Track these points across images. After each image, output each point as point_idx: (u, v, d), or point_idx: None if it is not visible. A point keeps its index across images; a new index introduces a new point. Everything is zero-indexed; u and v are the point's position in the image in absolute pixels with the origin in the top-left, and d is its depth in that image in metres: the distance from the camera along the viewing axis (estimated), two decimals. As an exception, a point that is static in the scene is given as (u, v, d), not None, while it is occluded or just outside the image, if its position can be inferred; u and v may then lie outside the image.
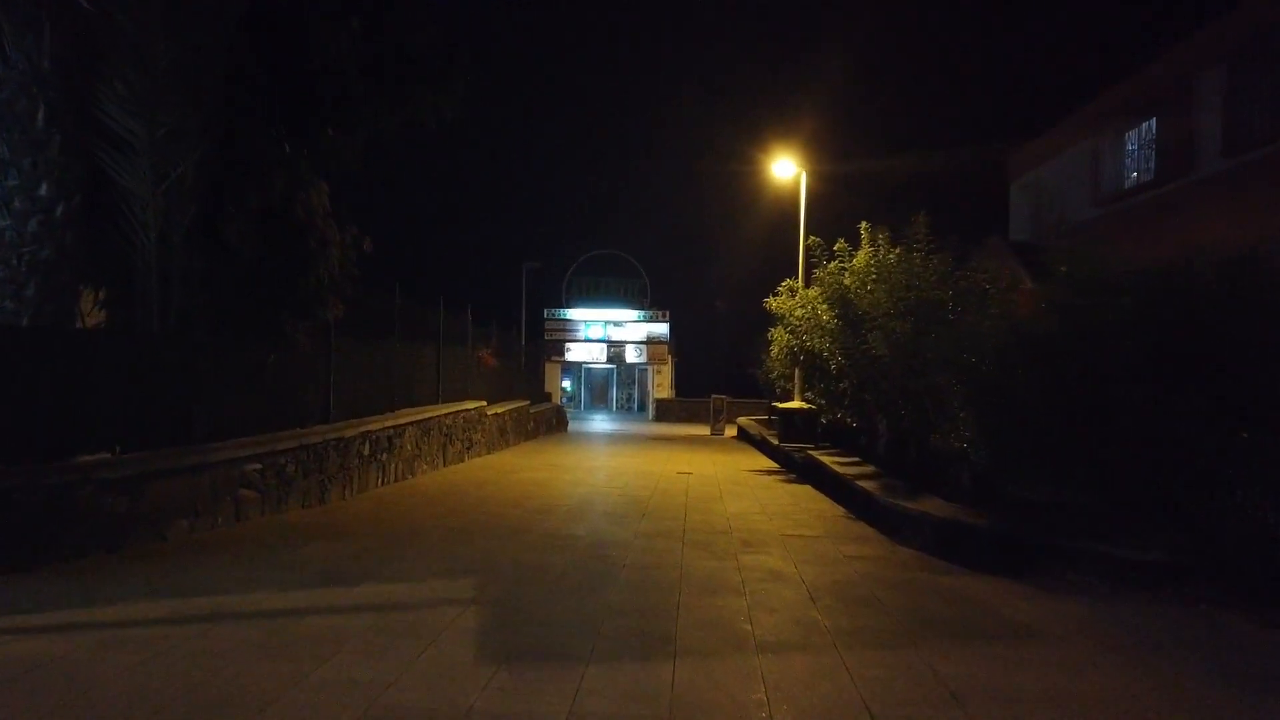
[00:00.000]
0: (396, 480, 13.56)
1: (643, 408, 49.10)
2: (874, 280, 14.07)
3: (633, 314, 47.28)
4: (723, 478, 15.64)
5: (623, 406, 50.58)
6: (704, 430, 34.73)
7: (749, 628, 5.84)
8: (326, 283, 10.61)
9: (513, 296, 38.93)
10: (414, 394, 15.99)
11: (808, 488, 14.07)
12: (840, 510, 11.38)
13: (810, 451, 15.55)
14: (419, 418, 14.84)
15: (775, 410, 22.01)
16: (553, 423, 30.23)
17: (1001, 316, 8.94)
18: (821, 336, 15.70)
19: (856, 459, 14.16)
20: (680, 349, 48.60)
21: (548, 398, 34.93)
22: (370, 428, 12.54)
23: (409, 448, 14.26)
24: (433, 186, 63.22)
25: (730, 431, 33.46)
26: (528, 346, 32.81)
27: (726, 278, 51.34)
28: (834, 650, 5.39)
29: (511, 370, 25.51)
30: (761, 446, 22.56)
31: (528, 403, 25.82)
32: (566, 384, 49.37)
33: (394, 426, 13.54)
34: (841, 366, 14.68)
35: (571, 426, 33.75)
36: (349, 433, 11.69)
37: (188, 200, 8.90)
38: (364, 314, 14.22)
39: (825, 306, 15.87)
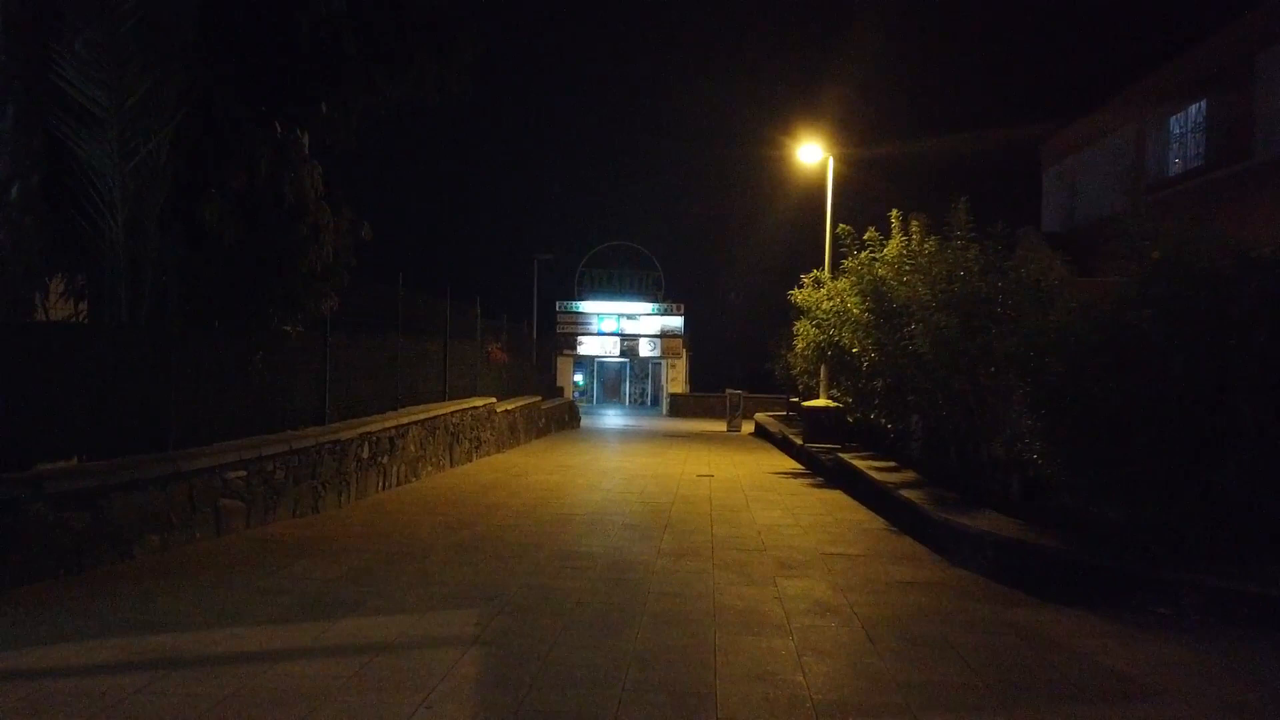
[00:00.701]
0: (399, 484, 12.67)
1: (656, 402, 48.21)
2: (910, 271, 13.08)
3: (646, 307, 46.32)
4: (746, 481, 14.69)
5: (636, 401, 49.69)
6: (720, 426, 33.78)
7: (801, 679, 4.90)
8: (319, 272, 9.70)
9: (524, 289, 38.10)
10: (419, 391, 15.11)
11: (838, 493, 13.12)
12: (880, 522, 10.42)
13: (840, 454, 14.58)
14: (423, 416, 13.94)
15: (798, 408, 21.06)
16: (565, 419, 29.35)
17: (1081, 311, 7.92)
18: (851, 331, 14.73)
19: (891, 463, 13.19)
20: (695, 343, 47.65)
21: (560, 392, 34.07)
22: (370, 429, 11.64)
23: (412, 449, 13.37)
24: (441, 175, 62.13)
25: (747, 428, 32.51)
26: (539, 340, 31.94)
27: (744, 270, 50.36)
28: (909, 715, 4.45)
29: (522, 365, 24.62)
30: (783, 446, 21.61)
31: (539, 398, 24.94)
32: (579, 378, 48.50)
33: (396, 427, 12.64)
34: (874, 363, 13.70)
35: (584, 422, 32.87)
36: (346, 435, 10.79)
37: (161, 179, 8.00)
38: (363, 306, 13.34)
39: (856, 299, 14.89)
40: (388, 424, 12.32)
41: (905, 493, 10.05)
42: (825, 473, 15.27)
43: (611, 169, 64.64)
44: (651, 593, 6.76)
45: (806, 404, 18.06)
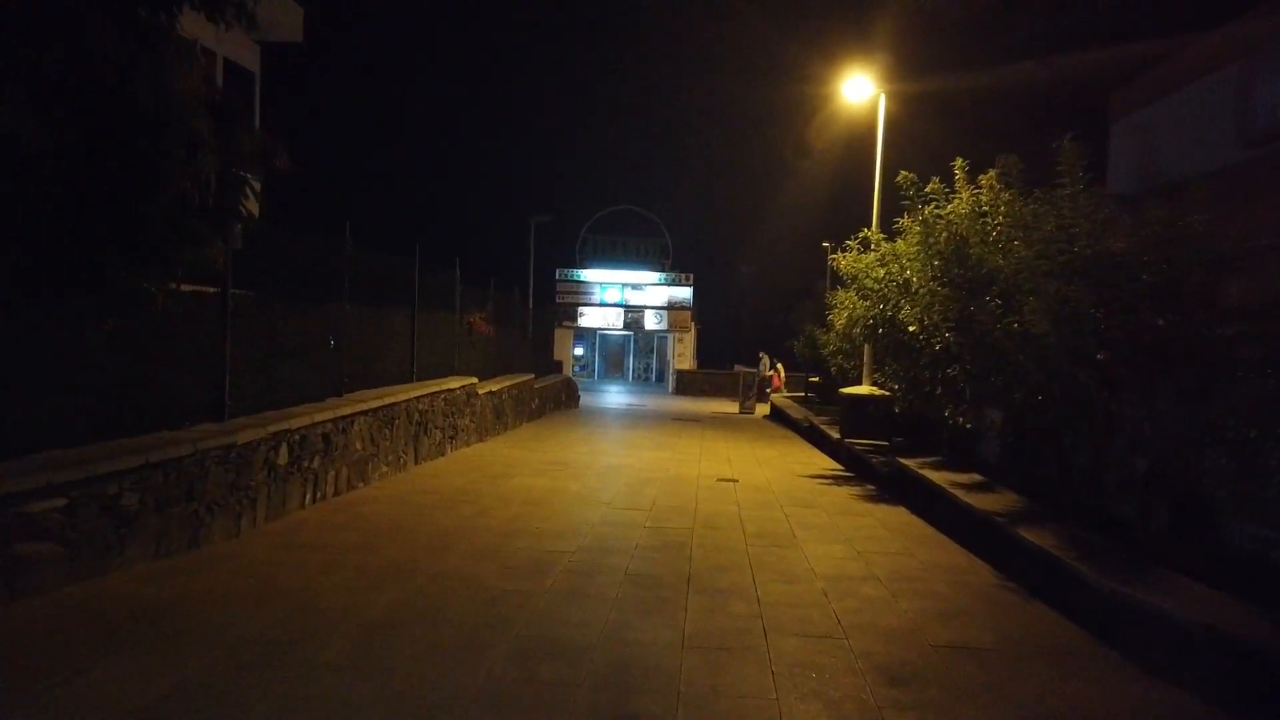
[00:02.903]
0: (337, 493, 9.78)
1: (661, 379, 45.25)
2: (1005, 226, 10.12)
3: (653, 276, 43.21)
4: (780, 488, 11.79)
5: (640, 377, 46.74)
6: (731, 407, 30.87)
7: None
8: (195, 209, 6.73)
9: (519, 256, 35.01)
10: (376, 371, 12.19)
11: (903, 512, 10.22)
12: (987, 572, 7.51)
13: (899, 459, 11.62)
14: (377, 404, 11.02)
15: (833, 394, 18.13)
16: (562, 398, 26.43)
17: None
18: (912, 303, 11.80)
19: (973, 476, 10.28)
20: (703, 316, 44.62)
21: (558, 367, 31.11)
22: (293, 423, 8.73)
23: (359, 446, 10.46)
24: (434, 135, 58.25)
25: (762, 409, 29.62)
26: (535, 311, 28.96)
27: (761, 238, 47.20)
28: None
29: (513, 338, 21.66)
30: (812, 436, 18.69)
31: (532, 376, 22.00)
32: (579, 351, 45.51)
33: (335, 420, 9.72)
34: (947, 345, 10.75)
35: (584, 400, 29.95)
36: (248, 434, 7.87)
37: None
38: (299, 267, 10.45)
39: (918, 264, 11.93)
40: (320, 417, 9.39)
41: (1028, 533, 7.11)
42: (877, 480, 12.37)
43: (618, 125, 60.46)
44: (679, 756, 3.86)
45: (847, 391, 15.11)
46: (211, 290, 8.25)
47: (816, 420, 19.35)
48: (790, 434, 20.78)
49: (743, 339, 44.56)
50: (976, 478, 9.96)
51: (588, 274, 42.96)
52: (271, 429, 8.29)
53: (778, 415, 25.98)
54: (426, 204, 48.53)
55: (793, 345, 27.66)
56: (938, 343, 10.87)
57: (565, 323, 41.95)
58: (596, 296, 42.84)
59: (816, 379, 28.91)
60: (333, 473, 9.77)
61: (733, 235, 48.88)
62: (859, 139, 22.11)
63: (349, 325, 11.21)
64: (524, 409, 20.39)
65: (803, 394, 31.68)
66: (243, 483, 7.79)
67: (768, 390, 31.18)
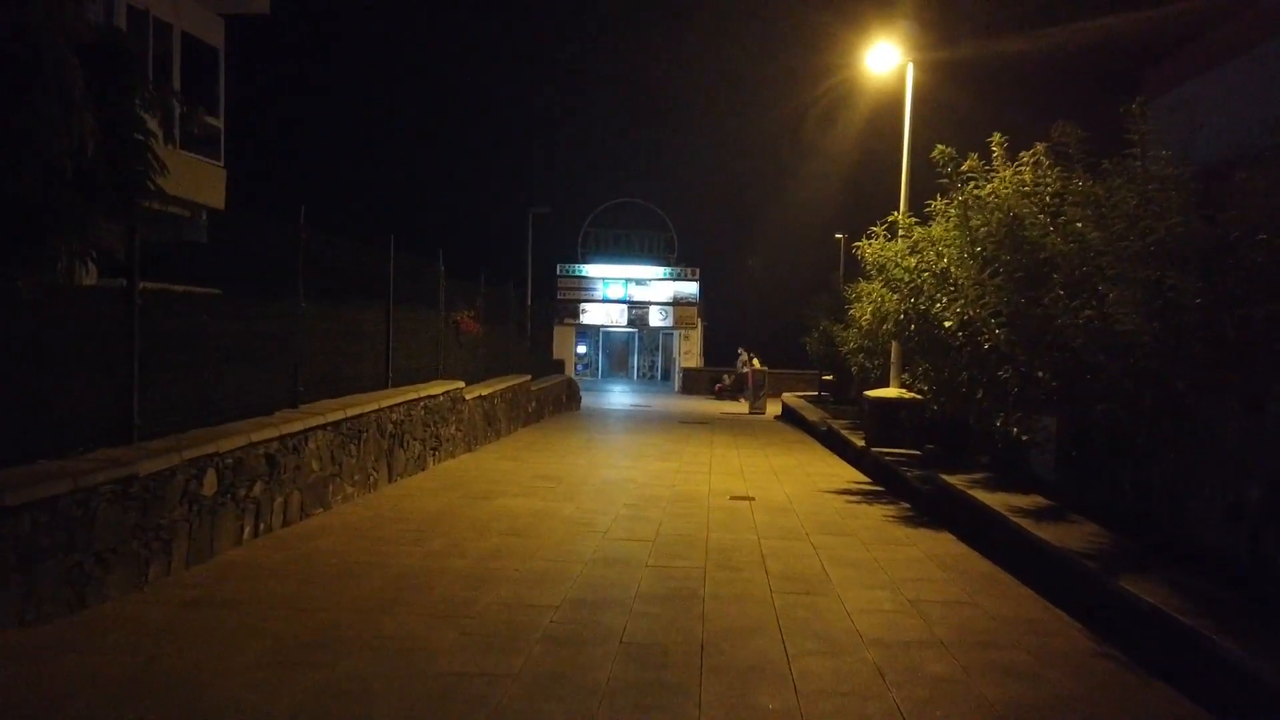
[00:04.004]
0: (286, 523, 8.32)
1: (667, 377, 43.75)
2: (1069, 205, 8.62)
3: (657, 271, 41.66)
4: (803, 509, 10.31)
5: (644, 375, 45.23)
6: (740, 407, 29.38)
7: None
8: (69, 177, 5.27)
9: (518, 251, 33.52)
10: (344, 377, 10.75)
11: (947, 539, 8.75)
12: (1077, 632, 6.00)
13: (942, 475, 10.10)
14: (340, 416, 9.57)
15: (850, 396, 16.69)
16: (562, 400, 24.95)
17: None
18: (950, 295, 10.34)
19: (1036, 500, 8.76)
20: (710, 312, 43.06)
21: (559, 367, 29.63)
22: (225, 445, 7.27)
23: (315, 466, 9.00)
24: (420, 118, 56.20)
25: (773, 409, 28.13)
26: (535, 308, 27.47)
27: (771, 231, 45.65)
28: None
29: (508, 337, 20.19)
30: (830, 442, 17.19)
31: (528, 378, 20.52)
32: (582, 350, 44.02)
33: (281, 438, 8.26)
34: (996, 341, 9.24)
35: (586, 401, 28.48)
36: (158, 463, 6.40)
37: None
38: (245, 258, 9.07)
39: (955, 251, 10.47)
40: (263, 435, 7.93)
41: (1134, 586, 5.57)
42: (912, 497, 10.87)
43: (620, 111, 58.46)
44: None
45: (874, 395, 13.58)
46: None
47: (835, 424, 17.85)
48: (807, 439, 19.26)
49: (753, 335, 43.09)
50: (1039, 501, 8.45)
51: (590, 269, 41.46)
52: (192, 453, 6.81)
53: (791, 416, 24.48)
54: (419, 198, 47.00)
55: (805, 342, 26.13)
56: (985, 340, 9.36)
57: (567, 320, 40.49)
58: (599, 292, 41.33)
59: (830, 377, 27.41)
60: (280, 499, 8.30)
61: (742, 228, 47.25)
62: (879, 120, 20.60)
63: (307, 326, 9.75)
64: (519, 413, 18.92)
65: (815, 393, 30.18)
66: (151, 522, 6.32)
67: (747, 387, 30.65)
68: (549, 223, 37.56)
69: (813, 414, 21.58)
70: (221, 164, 15.04)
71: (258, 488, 7.86)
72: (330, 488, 9.39)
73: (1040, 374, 8.69)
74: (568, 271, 41.19)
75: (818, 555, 7.92)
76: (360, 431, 10.21)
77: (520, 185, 42.31)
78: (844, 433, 16.19)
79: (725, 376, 34.96)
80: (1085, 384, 8.18)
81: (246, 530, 7.68)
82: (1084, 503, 8.67)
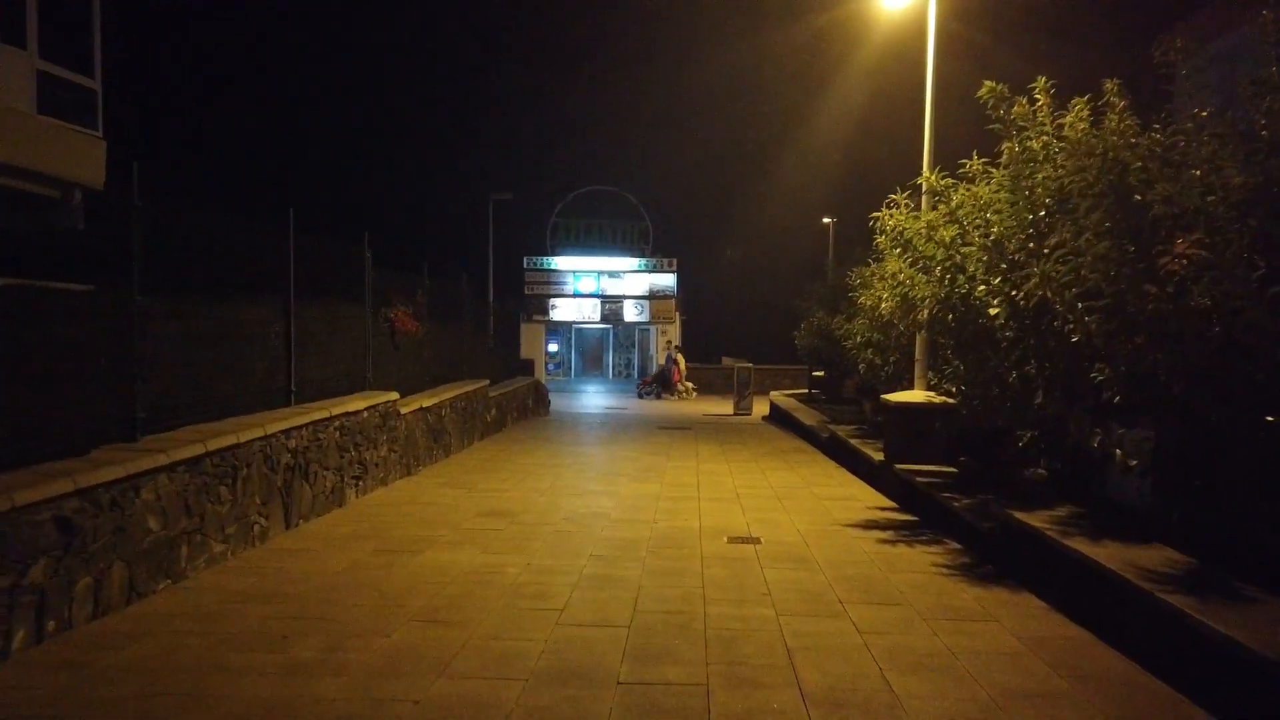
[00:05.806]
0: (100, 613, 5.76)
1: (644, 375, 41.21)
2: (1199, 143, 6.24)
3: (632, 263, 39.08)
4: (826, 557, 7.85)
5: (621, 374, 42.69)
6: (725, 408, 26.95)
7: None
8: None
9: (480, 243, 30.83)
10: (218, 395, 8.18)
11: (1037, 607, 6.32)
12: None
13: (1016, 514, 7.57)
14: (194, 451, 6.98)
15: (880, 403, 14.34)
16: (528, 405, 22.38)
17: None
18: (1005, 274, 8.02)
19: (1157, 545, 6.33)
20: (689, 305, 40.56)
21: (528, 368, 27.03)
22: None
23: (154, 524, 6.42)
24: (372, 94, 52.42)
25: (760, 409, 25.75)
26: (498, 304, 24.88)
27: (753, 216, 43.09)
28: None
29: (461, 337, 17.61)
30: (835, 452, 14.75)
31: (486, 383, 17.94)
32: (553, 348, 41.38)
33: (79, 491, 5.68)
34: (1088, 331, 6.81)
35: (557, 404, 25.93)
36: None
37: None
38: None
39: (1004, 218, 8.18)
40: (50, 491, 5.35)
41: None
42: (961, 533, 8.44)
43: (590, 90, 54.99)
44: None
45: (897, 399, 11.10)
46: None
47: (840, 430, 15.42)
48: (805, 447, 16.82)
49: (734, 329, 40.61)
50: (1172, 557, 6.00)
51: (560, 261, 38.82)
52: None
53: (782, 419, 22.08)
54: (370, 187, 43.97)
55: (794, 336, 23.71)
56: (1074, 332, 6.92)
57: (536, 316, 37.88)
58: (570, 286, 38.71)
59: (822, 373, 24.98)
60: (88, 580, 5.72)
61: (723, 216, 44.59)
62: (881, 88, 18.10)
63: (155, 329, 7.17)
64: (474, 425, 16.35)
65: (805, 391, 27.78)
66: None
67: (671, 383, 31.65)
68: (515, 214, 34.88)
69: (808, 416, 19.16)
70: (100, 134, 12.35)
71: (39, 571, 5.28)
72: (184, 549, 6.80)
73: (1160, 376, 6.28)
74: (536, 265, 38.54)
75: (868, 648, 5.45)
76: (236, 468, 7.62)
77: (483, 173, 39.32)
78: (853, 442, 13.76)
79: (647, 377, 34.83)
80: (1229, 389, 5.79)
81: (18, 637, 5.11)
82: (1179, 538, 6.32)
